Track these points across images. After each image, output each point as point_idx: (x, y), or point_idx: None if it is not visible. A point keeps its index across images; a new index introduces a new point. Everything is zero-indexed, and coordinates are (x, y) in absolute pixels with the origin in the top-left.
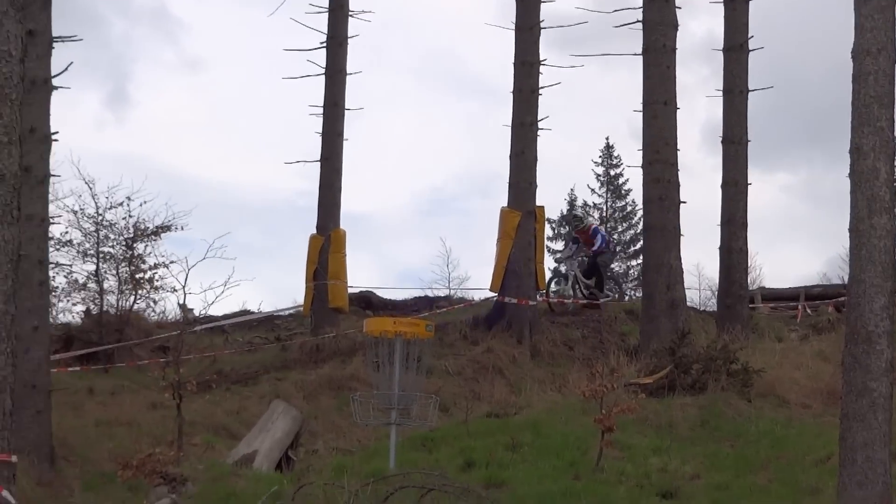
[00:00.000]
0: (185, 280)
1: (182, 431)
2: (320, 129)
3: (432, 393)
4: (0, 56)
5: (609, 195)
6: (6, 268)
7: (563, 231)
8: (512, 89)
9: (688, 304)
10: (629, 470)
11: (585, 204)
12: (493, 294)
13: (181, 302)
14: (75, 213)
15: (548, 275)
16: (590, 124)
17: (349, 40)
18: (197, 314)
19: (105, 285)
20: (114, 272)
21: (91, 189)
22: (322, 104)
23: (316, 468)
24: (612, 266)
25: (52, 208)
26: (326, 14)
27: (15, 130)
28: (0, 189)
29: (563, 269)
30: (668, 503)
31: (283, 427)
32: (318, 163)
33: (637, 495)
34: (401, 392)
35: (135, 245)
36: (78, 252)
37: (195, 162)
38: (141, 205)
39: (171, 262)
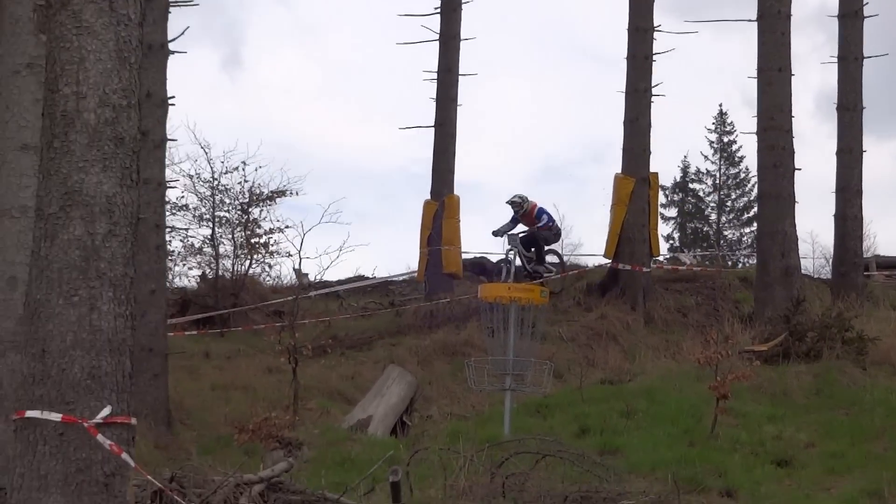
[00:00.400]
0: (301, 245)
1: (298, 396)
2: (434, 95)
3: (546, 359)
4: (119, 19)
5: (722, 162)
6: (125, 231)
7: (675, 198)
8: (626, 56)
9: (802, 271)
10: (744, 437)
11: (698, 171)
12: (606, 260)
13: (296, 267)
14: (191, 177)
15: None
16: (703, 91)
17: (463, 6)
18: (312, 279)
19: (221, 249)
20: (229, 236)
21: (207, 153)
22: (436, 70)
23: (431, 433)
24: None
25: (168, 172)
26: None
27: (134, 94)
28: (119, 152)
29: (507, 251)
30: (783, 471)
31: (398, 392)
32: (433, 129)
33: (752, 463)
34: (515, 358)
35: (250, 210)
36: (194, 216)
37: (309, 127)
38: (256, 170)
39: (287, 227)
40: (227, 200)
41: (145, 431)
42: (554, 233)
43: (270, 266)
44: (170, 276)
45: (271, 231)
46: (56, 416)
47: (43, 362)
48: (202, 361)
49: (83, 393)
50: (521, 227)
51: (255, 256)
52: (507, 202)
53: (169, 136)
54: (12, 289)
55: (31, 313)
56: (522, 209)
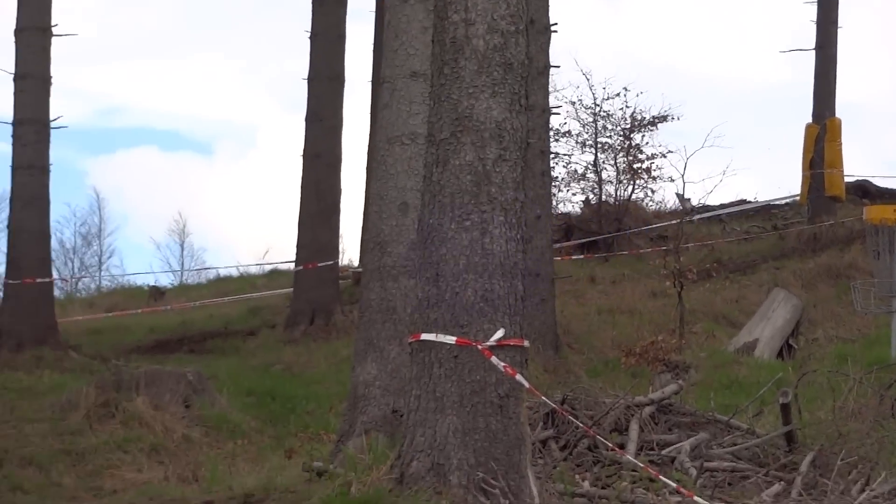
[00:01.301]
0: (683, 170)
1: (683, 319)
2: (814, 18)
3: None
4: None
5: None
6: (515, 155)
7: None
8: None
9: None
10: None
11: None
12: None
13: (679, 191)
14: (573, 104)
15: None
16: None
17: None
18: (694, 204)
19: (603, 175)
20: (612, 162)
21: (588, 80)
22: None
23: (817, 356)
24: None
25: (551, 99)
26: None
27: (521, 20)
28: (508, 78)
29: None
30: None
31: (784, 315)
32: (813, 51)
33: None
34: None
35: (632, 135)
36: (576, 142)
37: (687, 53)
38: (637, 95)
39: (669, 152)
40: (609, 126)
41: (534, 355)
42: None
43: (653, 191)
44: (554, 202)
45: (653, 156)
46: (450, 339)
47: (437, 286)
48: (587, 286)
49: (476, 316)
50: None
51: (637, 182)
52: None
53: (552, 63)
54: (403, 214)
55: (424, 238)
56: None
